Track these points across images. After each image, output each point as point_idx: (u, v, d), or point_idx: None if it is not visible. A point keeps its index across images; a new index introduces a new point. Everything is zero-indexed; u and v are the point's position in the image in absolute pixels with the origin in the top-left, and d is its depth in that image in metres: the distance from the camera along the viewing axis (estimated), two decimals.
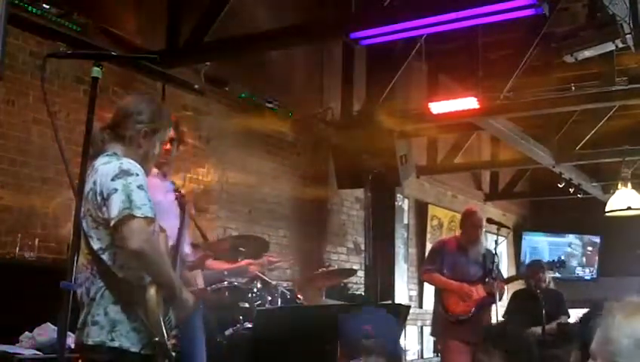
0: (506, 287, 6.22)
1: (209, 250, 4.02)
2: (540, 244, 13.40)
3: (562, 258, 7.09)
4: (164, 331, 2.63)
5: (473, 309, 5.73)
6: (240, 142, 7.13)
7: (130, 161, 2.69)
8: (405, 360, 8.91)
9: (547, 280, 6.65)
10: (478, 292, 5.75)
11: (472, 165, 11.42)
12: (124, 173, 2.61)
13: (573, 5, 6.66)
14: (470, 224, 5.98)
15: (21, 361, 3.93)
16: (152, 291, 2.59)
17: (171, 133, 3.85)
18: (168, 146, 3.85)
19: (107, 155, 2.71)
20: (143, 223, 2.56)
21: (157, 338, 2.61)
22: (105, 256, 2.63)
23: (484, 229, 6.02)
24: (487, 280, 5.77)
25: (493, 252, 5.85)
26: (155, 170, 3.72)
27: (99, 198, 2.60)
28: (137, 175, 2.64)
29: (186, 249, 3.73)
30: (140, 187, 2.61)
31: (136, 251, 2.54)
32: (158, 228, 2.79)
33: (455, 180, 11.35)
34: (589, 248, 13.70)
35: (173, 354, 2.69)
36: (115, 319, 2.60)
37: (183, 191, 3.88)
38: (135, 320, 2.61)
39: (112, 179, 2.59)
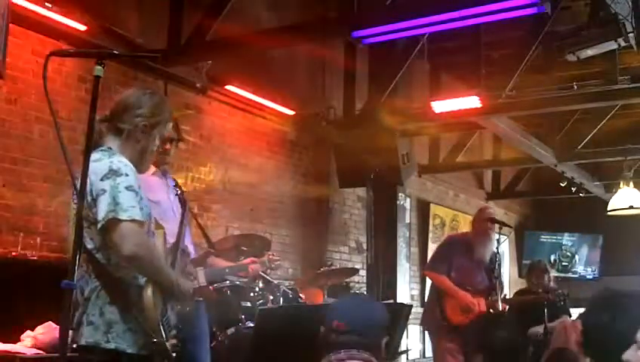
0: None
1: (212, 248, 4.01)
2: (542, 243, 13.39)
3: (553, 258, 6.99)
4: (163, 331, 2.57)
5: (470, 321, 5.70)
6: (242, 140, 7.13)
7: (121, 160, 2.59)
8: (407, 359, 8.90)
9: (549, 279, 6.63)
10: (480, 306, 5.64)
11: (474, 164, 11.40)
12: (114, 173, 2.53)
13: (576, 4, 6.68)
14: (478, 219, 5.96)
15: (23, 360, 3.93)
16: (148, 292, 2.53)
17: (170, 133, 3.87)
18: (168, 146, 3.86)
19: (101, 150, 2.61)
20: (131, 226, 2.48)
21: (155, 339, 2.54)
22: (99, 256, 2.57)
23: (494, 227, 5.92)
24: (490, 297, 5.71)
25: (495, 252, 5.81)
26: (152, 169, 3.73)
27: (89, 198, 2.51)
28: (127, 175, 2.54)
29: (189, 247, 3.72)
30: (128, 188, 2.52)
31: (130, 257, 2.48)
32: (153, 228, 2.73)
33: (457, 179, 11.34)
34: (591, 247, 13.68)
35: (174, 354, 2.62)
36: (110, 319, 2.54)
37: (183, 188, 3.88)
38: (131, 321, 2.54)
39: (102, 179, 2.51)
